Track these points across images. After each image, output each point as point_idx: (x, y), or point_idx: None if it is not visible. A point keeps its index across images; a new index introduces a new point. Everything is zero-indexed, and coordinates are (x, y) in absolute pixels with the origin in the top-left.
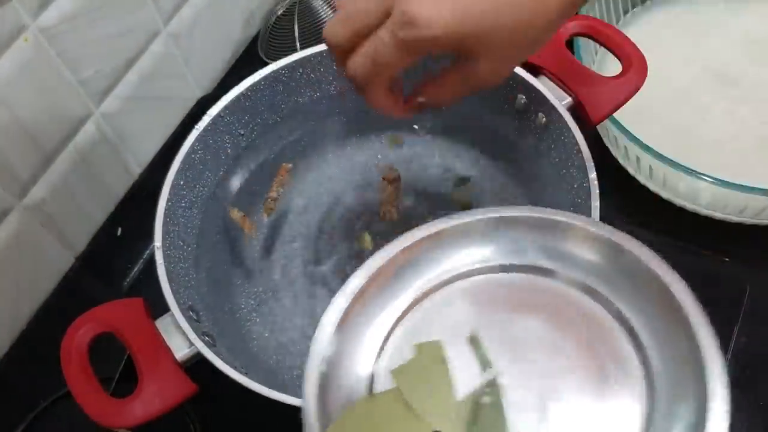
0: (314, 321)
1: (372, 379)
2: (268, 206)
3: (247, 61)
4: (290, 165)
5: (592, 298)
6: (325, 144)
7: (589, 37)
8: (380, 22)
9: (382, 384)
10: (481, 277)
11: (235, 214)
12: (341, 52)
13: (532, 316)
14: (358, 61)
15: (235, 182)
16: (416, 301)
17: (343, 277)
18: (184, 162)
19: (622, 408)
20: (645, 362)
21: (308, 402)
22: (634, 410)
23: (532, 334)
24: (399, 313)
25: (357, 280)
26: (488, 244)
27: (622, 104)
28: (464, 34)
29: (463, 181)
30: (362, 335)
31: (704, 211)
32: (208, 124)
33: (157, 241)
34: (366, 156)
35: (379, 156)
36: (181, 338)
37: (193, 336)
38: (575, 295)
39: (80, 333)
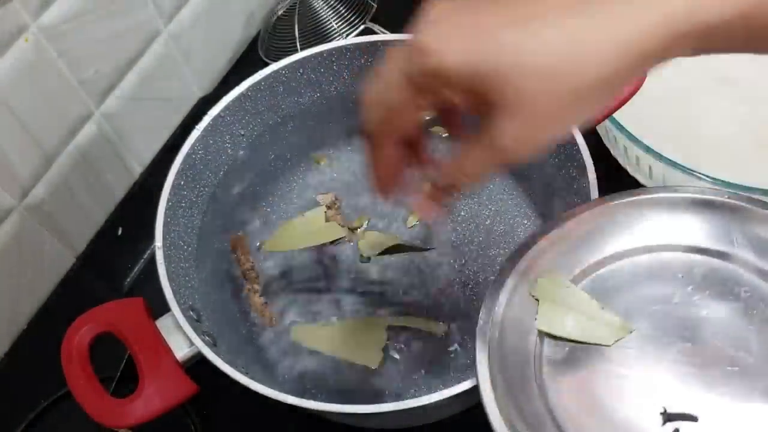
0: (315, 320)
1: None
2: (252, 277)
3: (247, 61)
4: (240, 233)
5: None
6: (326, 144)
7: None
8: None
9: (551, 339)
10: (667, 254)
11: (256, 299)
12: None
13: (714, 300)
14: (369, 108)
15: (236, 182)
16: (600, 265)
17: (343, 275)
18: (184, 162)
19: None
20: None
21: (480, 350)
22: None
23: (714, 318)
24: (580, 273)
25: (533, 239)
26: (682, 222)
27: (622, 105)
28: (481, 69)
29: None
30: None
31: None
32: (209, 125)
33: (158, 241)
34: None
35: None
36: (181, 338)
37: (193, 336)
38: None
39: (81, 333)
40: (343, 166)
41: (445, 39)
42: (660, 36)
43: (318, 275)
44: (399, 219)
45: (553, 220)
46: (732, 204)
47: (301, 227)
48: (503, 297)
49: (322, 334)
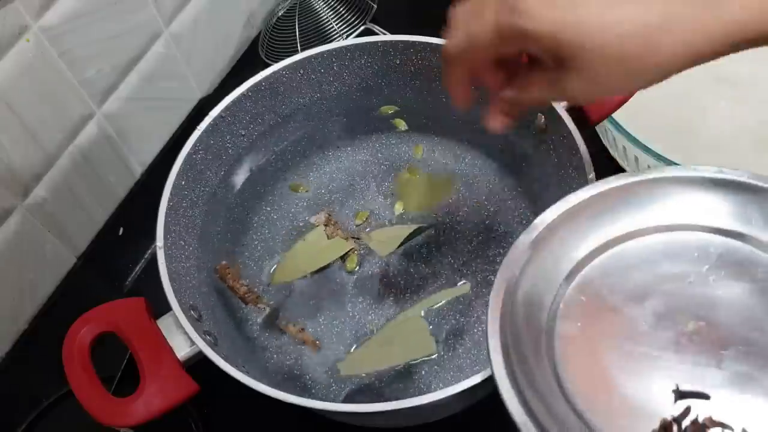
0: (315, 320)
1: (553, 309)
2: (252, 299)
3: (247, 62)
4: (224, 262)
5: None
6: (326, 144)
7: None
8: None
9: (563, 315)
10: (684, 233)
11: (291, 329)
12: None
13: (729, 280)
14: (455, 35)
15: (237, 182)
16: (617, 241)
17: (344, 275)
18: (185, 162)
19: None
20: None
21: (493, 317)
22: None
23: (729, 298)
24: (596, 248)
25: (552, 212)
26: (700, 201)
27: (621, 105)
28: (563, 41)
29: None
30: (550, 265)
31: None
32: (209, 125)
33: (159, 241)
34: (367, 156)
35: (379, 155)
36: (182, 337)
37: (194, 335)
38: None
39: (82, 332)
40: (342, 165)
41: (537, 4)
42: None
43: (326, 292)
44: (388, 210)
45: (570, 195)
46: (751, 184)
47: (305, 252)
48: (516, 271)
49: (368, 355)
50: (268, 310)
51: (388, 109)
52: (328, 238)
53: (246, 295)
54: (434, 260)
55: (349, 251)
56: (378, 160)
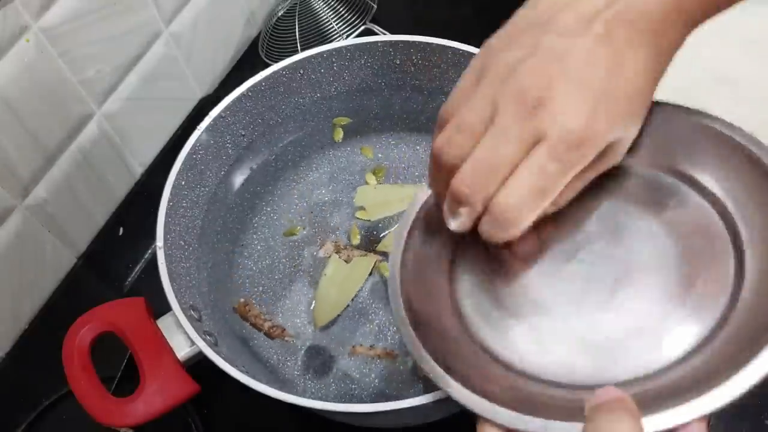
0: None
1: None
2: (278, 334)
3: (247, 61)
4: (242, 299)
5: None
6: (326, 144)
7: None
8: (525, 150)
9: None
10: None
11: (360, 349)
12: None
13: (626, 202)
14: (516, 192)
15: (237, 182)
16: None
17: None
18: (185, 162)
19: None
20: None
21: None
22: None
23: (629, 221)
24: None
25: None
26: None
27: None
28: (614, 141)
29: None
30: None
31: None
32: (210, 125)
33: (159, 241)
34: (365, 157)
35: (379, 155)
36: (182, 338)
37: (194, 335)
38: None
39: (82, 332)
40: (342, 165)
41: (592, 119)
42: None
43: (361, 306)
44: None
45: None
46: None
47: (333, 285)
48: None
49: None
50: (298, 343)
51: (341, 121)
52: (347, 262)
53: (271, 330)
54: None
55: (375, 263)
56: (377, 161)
